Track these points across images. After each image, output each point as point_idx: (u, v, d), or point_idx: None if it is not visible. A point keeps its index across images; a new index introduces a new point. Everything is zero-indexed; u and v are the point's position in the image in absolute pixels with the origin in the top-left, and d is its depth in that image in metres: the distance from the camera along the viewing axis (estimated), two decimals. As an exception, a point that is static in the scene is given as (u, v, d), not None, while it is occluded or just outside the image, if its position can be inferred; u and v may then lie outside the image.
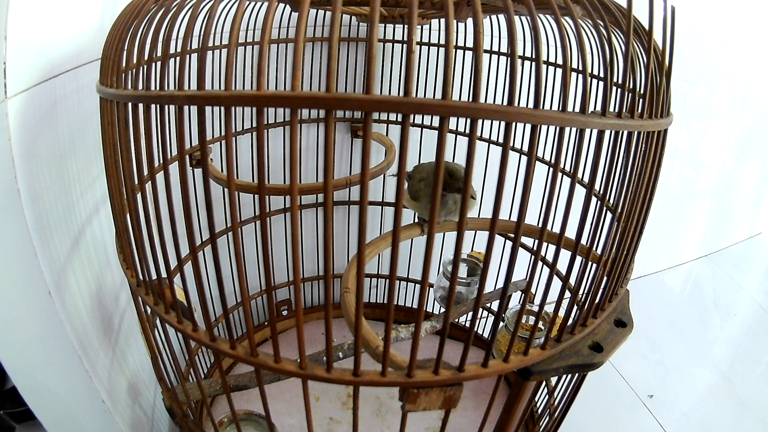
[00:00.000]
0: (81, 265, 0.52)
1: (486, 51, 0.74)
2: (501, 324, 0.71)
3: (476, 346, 0.87)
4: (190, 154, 0.63)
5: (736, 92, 1.31)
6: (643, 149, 0.31)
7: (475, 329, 0.29)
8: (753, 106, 1.36)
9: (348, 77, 0.83)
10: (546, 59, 0.68)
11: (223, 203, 0.74)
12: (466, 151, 0.22)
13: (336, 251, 0.99)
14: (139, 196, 0.30)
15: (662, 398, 0.99)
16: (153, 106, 0.26)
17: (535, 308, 0.73)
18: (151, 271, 0.33)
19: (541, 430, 0.59)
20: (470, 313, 0.74)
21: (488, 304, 0.84)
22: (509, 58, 0.21)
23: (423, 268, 0.25)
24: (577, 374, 0.47)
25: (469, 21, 0.69)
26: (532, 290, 0.78)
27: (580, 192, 0.26)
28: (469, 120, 0.21)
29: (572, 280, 0.34)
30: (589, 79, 0.25)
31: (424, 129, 0.82)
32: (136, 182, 0.30)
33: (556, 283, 0.31)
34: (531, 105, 0.23)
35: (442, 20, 0.75)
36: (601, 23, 0.28)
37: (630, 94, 0.29)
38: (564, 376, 0.51)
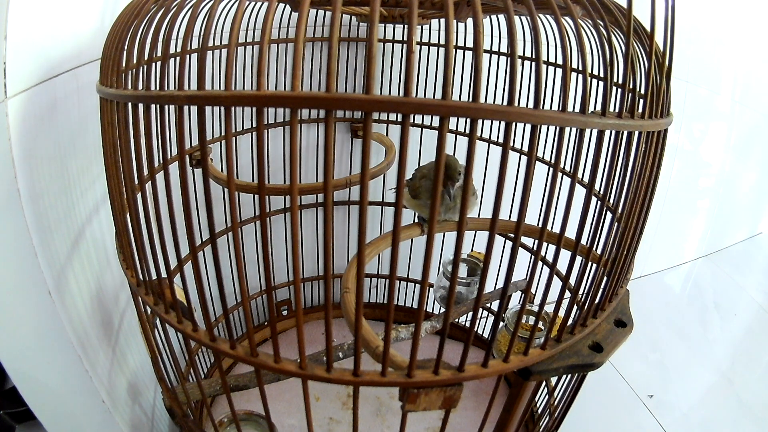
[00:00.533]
0: (81, 265, 0.52)
1: (486, 51, 0.74)
2: (501, 324, 0.71)
3: (476, 346, 0.87)
4: (190, 154, 0.63)
5: (736, 92, 1.31)
6: (643, 149, 0.31)
7: (475, 329, 0.29)
8: (753, 106, 1.36)
9: (348, 77, 0.83)
10: (546, 59, 0.68)
11: (223, 203, 0.74)
12: (466, 151, 0.22)
13: (336, 251, 0.99)
14: (139, 196, 0.30)
15: (662, 398, 0.99)
16: (153, 106, 0.26)
17: (535, 308, 0.73)
18: (151, 271, 0.33)
19: (541, 430, 0.59)
20: (470, 313, 0.74)
21: (488, 304, 0.84)
22: (509, 58, 0.21)
23: (423, 268, 0.25)
24: (577, 374, 0.47)
25: (469, 21, 0.69)
26: (532, 290, 0.78)
27: (579, 192, 0.26)
28: (469, 120, 0.21)
29: (572, 280, 0.34)
30: (589, 79, 0.25)
31: (424, 129, 0.82)
32: (136, 182, 0.30)
33: (556, 283, 0.31)
34: (531, 105, 0.23)
35: (442, 20, 0.75)
36: (601, 23, 0.28)
37: (630, 94, 0.29)
38: (564, 376, 0.51)
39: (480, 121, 0.21)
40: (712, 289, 1.42)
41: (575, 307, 0.35)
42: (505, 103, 0.23)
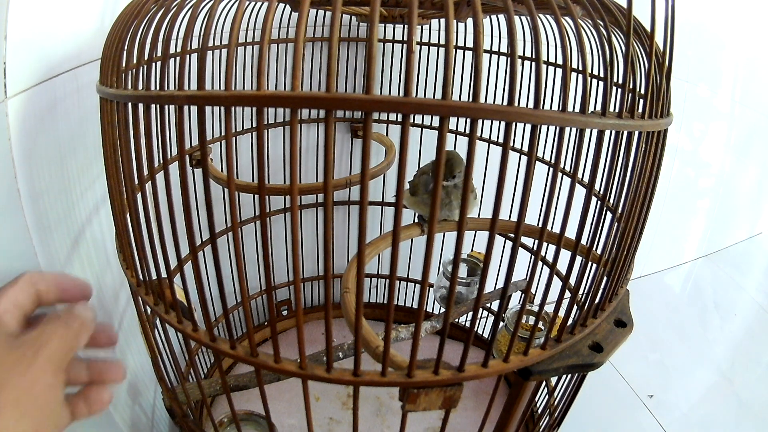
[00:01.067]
0: (81, 265, 0.52)
1: (486, 51, 0.74)
2: (501, 324, 0.71)
3: (476, 346, 0.87)
4: (189, 154, 0.63)
5: (736, 92, 1.31)
6: (643, 149, 0.31)
7: (475, 329, 0.29)
8: (753, 106, 1.36)
9: (348, 77, 0.84)
10: (546, 59, 0.68)
11: (222, 203, 0.74)
12: (466, 151, 0.22)
13: (336, 251, 0.99)
14: (139, 196, 0.30)
15: (662, 398, 0.99)
16: (153, 106, 0.26)
17: (535, 308, 0.73)
18: (151, 271, 0.33)
19: (541, 430, 0.59)
20: (470, 313, 0.74)
21: (488, 304, 0.84)
22: (509, 58, 0.21)
23: (423, 268, 0.25)
24: (577, 374, 0.47)
25: (469, 21, 0.69)
26: (532, 290, 0.78)
27: (579, 192, 0.26)
28: (469, 120, 0.21)
29: (572, 280, 0.34)
30: (589, 79, 0.25)
31: (423, 129, 0.82)
32: (136, 182, 0.30)
33: (556, 283, 0.31)
34: (531, 105, 0.23)
35: (442, 20, 0.75)
36: (601, 23, 0.28)
37: (630, 94, 0.29)
38: (564, 376, 0.51)
39: (480, 121, 0.21)
40: (712, 289, 1.42)
41: (575, 307, 0.35)
42: (505, 103, 0.23)
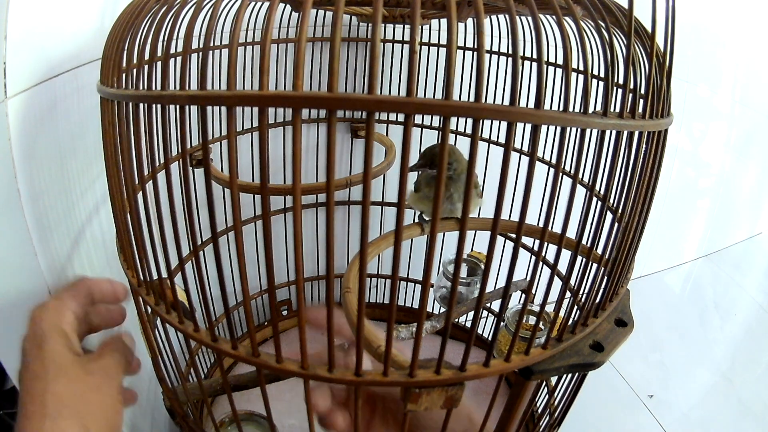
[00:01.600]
0: (81, 265, 0.52)
1: (487, 51, 0.74)
2: (501, 324, 0.71)
3: (476, 346, 0.87)
4: (190, 154, 0.63)
5: (736, 92, 1.31)
6: (643, 149, 0.31)
7: (476, 329, 0.29)
8: (753, 106, 1.36)
9: (348, 77, 0.84)
10: (547, 59, 0.68)
11: (223, 203, 0.74)
12: (468, 151, 0.22)
13: (336, 251, 0.99)
14: (140, 195, 0.30)
15: (662, 398, 0.99)
16: (155, 105, 0.26)
17: (536, 308, 0.73)
18: (152, 271, 0.33)
19: (541, 429, 0.59)
20: (471, 313, 0.74)
21: (488, 304, 0.84)
22: (512, 59, 0.21)
23: (424, 268, 0.25)
24: (577, 374, 0.47)
25: (470, 21, 0.69)
26: (532, 290, 0.78)
27: (580, 192, 0.26)
28: (471, 120, 0.21)
29: (572, 280, 0.34)
30: (590, 79, 0.25)
31: (424, 129, 0.82)
32: (137, 182, 0.30)
33: (556, 283, 0.31)
34: (532, 105, 0.23)
35: (443, 20, 0.75)
36: (603, 24, 0.28)
37: (631, 95, 0.29)
38: (564, 376, 0.51)
39: (481, 121, 0.21)
40: (712, 289, 1.42)
41: (576, 307, 0.35)
42: (506, 103, 0.23)
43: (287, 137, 0.80)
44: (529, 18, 0.30)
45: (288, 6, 0.65)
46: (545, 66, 0.23)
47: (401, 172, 0.21)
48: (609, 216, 0.34)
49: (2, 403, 0.62)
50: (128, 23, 0.32)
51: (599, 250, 0.34)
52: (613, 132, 0.28)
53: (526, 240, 0.74)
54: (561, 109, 0.23)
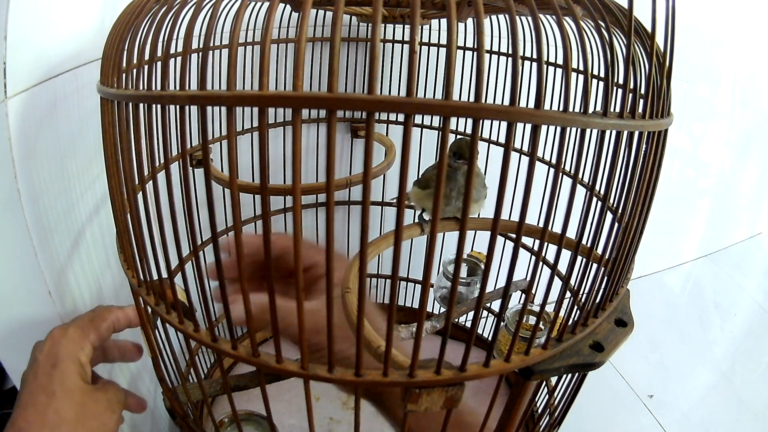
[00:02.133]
0: (81, 265, 0.52)
1: (487, 51, 0.74)
2: (501, 324, 0.71)
3: (475, 346, 0.87)
4: (190, 154, 0.63)
5: (736, 92, 1.31)
6: (643, 149, 0.31)
7: (477, 329, 0.29)
8: (753, 106, 1.36)
9: (348, 77, 0.84)
10: (547, 59, 0.68)
11: (223, 203, 0.74)
12: (468, 151, 0.22)
13: (336, 251, 0.98)
14: (140, 196, 0.30)
15: (662, 398, 0.99)
16: (155, 106, 0.26)
17: (536, 308, 0.73)
18: (152, 271, 0.33)
19: (541, 429, 0.59)
20: (471, 313, 0.74)
21: (488, 304, 0.84)
22: (512, 59, 0.21)
23: (424, 268, 0.25)
24: (577, 374, 0.47)
25: (470, 21, 0.69)
26: (532, 290, 0.78)
27: (580, 192, 0.26)
28: (471, 120, 0.21)
29: (572, 280, 0.34)
30: (590, 79, 0.25)
31: (424, 129, 0.82)
32: (137, 182, 0.30)
33: (557, 283, 0.31)
34: (532, 105, 0.23)
35: (443, 20, 0.75)
36: (603, 24, 0.28)
37: (631, 95, 0.29)
38: (564, 376, 0.51)
39: (481, 121, 0.21)
40: (712, 289, 1.42)
41: (576, 307, 0.35)
42: (506, 103, 0.23)
43: (287, 137, 0.80)
44: (529, 18, 0.30)
45: (288, 6, 0.65)
46: (545, 66, 0.23)
47: (401, 172, 0.21)
48: (609, 216, 0.34)
49: (2, 403, 0.62)
50: (128, 23, 0.32)
51: (599, 251, 0.34)
52: (613, 132, 0.28)
53: (526, 240, 0.74)
54: (561, 109, 0.23)
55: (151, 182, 0.31)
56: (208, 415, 0.43)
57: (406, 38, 0.80)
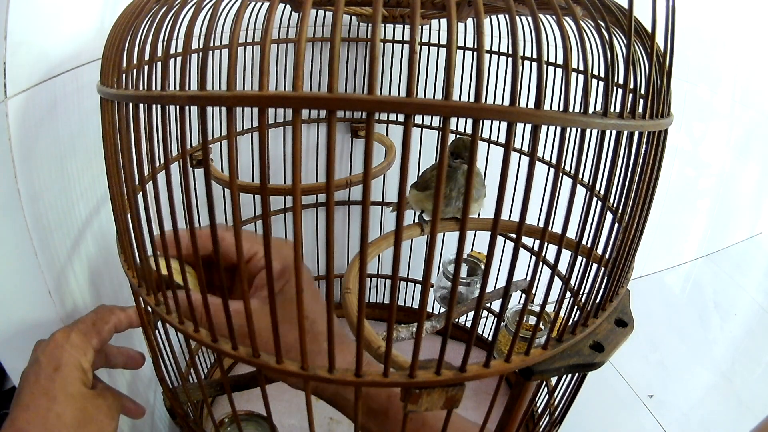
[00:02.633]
0: (81, 265, 0.52)
1: (487, 51, 0.74)
2: (501, 324, 0.70)
3: (476, 346, 0.87)
4: (190, 155, 0.63)
5: (736, 92, 1.31)
6: (644, 149, 0.31)
7: (477, 329, 0.29)
8: (753, 106, 1.36)
9: (348, 77, 0.84)
10: (547, 59, 0.68)
11: (223, 203, 0.74)
12: (468, 151, 0.22)
13: (336, 251, 0.99)
14: (140, 196, 0.30)
15: (662, 398, 0.99)
16: (155, 106, 0.26)
17: (536, 308, 0.73)
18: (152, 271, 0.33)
19: (541, 430, 0.59)
20: (471, 314, 0.74)
21: (488, 304, 0.84)
22: (512, 59, 0.21)
23: (424, 268, 0.25)
24: (577, 374, 0.47)
25: (470, 21, 0.69)
26: (533, 290, 0.78)
27: (580, 192, 0.26)
28: (471, 120, 0.21)
29: (573, 281, 0.34)
30: (590, 79, 0.25)
31: (424, 129, 0.82)
32: (137, 182, 0.30)
33: (557, 283, 0.31)
34: (532, 105, 0.23)
35: (443, 20, 0.75)
36: (603, 24, 0.28)
37: (631, 95, 0.29)
38: (564, 376, 0.51)
39: (481, 121, 0.21)
40: (712, 289, 1.42)
41: (576, 307, 0.35)
42: (506, 103, 0.23)
43: (287, 137, 0.80)
44: (529, 18, 0.30)
45: (288, 6, 0.65)
46: (545, 66, 0.23)
47: (401, 172, 0.21)
48: (609, 216, 0.34)
49: (2, 403, 0.62)
50: (128, 23, 0.32)
51: (599, 251, 0.34)
52: (613, 132, 0.28)
53: (526, 240, 0.74)
54: (561, 109, 0.23)
55: (151, 182, 0.31)
56: (208, 415, 0.42)
57: (406, 38, 0.80)
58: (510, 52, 0.22)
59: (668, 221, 1.29)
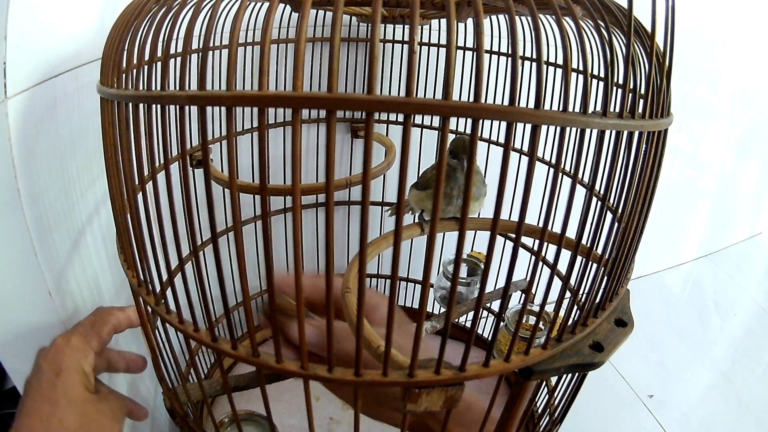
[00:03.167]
0: (81, 265, 0.52)
1: (487, 51, 0.74)
2: (501, 324, 0.71)
3: (475, 346, 0.87)
4: (190, 155, 0.63)
5: (736, 92, 1.31)
6: (643, 149, 0.31)
7: (476, 329, 0.29)
8: (753, 106, 1.36)
9: (348, 77, 0.84)
10: (547, 59, 0.68)
11: (223, 203, 0.74)
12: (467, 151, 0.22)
13: (336, 251, 0.99)
14: (140, 196, 0.30)
15: (662, 398, 0.99)
16: (154, 106, 0.26)
17: (536, 308, 0.73)
18: (152, 271, 0.33)
19: (541, 430, 0.59)
20: (471, 313, 0.74)
21: (488, 304, 0.84)
22: (511, 59, 0.21)
23: (424, 268, 0.25)
24: (577, 374, 0.47)
25: (469, 21, 0.69)
26: (532, 290, 0.78)
27: (580, 192, 0.26)
28: (470, 120, 0.21)
29: (572, 280, 0.34)
30: (590, 79, 0.25)
31: (424, 129, 0.82)
32: (137, 182, 0.30)
33: (556, 283, 0.31)
34: (532, 105, 0.23)
35: (443, 20, 0.75)
36: (602, 23, 0.28)
37: (630, 95, 0.29)
38: (564, 376, 0.51)
39: (481, 121, 0.21)
40: (712, 289, 1.42)
41: (576, 307, 0.35)
42: (506, 103, 0.23)
43: (287, 137, 0.80)
44: (529, 18, 0.30)
45: (287, 6, 0.65)
46: (545, 66, 0.23)
47: (401, 172, 0.21)
48: (609, 216, 0.34)
49: (2, 403, 0.62)
50: (128, 24, 0.32)
51: (599, 250, 0.34)
52: (613, 132, 0.28)
53: (526, 240, 0.74)
54: (560, 109, 0.23)
55: (151, 182, 0.31)
56: (208, 415, 0.43)
57: (406, 38, 0.80)
58: (509, 52, 0.22)
59: (668, 221, 1.29)
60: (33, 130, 0.43)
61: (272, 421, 0.34)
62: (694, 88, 1.19)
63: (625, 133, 0.29)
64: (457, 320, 0.91)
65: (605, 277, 0.34)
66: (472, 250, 0.83)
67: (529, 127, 0.23)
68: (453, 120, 0.79)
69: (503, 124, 0.22)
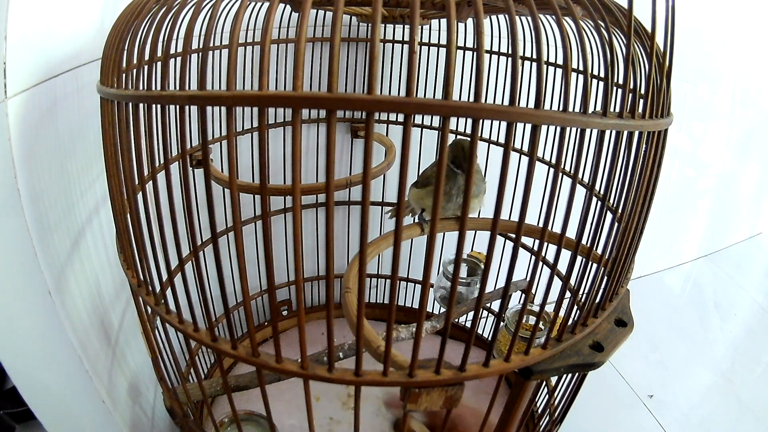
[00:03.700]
0: (81, 265, 0.52)
1: (487, 51, 0.74)
2: (501, 324, 0.71)
3: (475, 346, 0.87)
4: (190, 155, 0.63)
5: (736, 92, 1.31)
6: (643, 149, 0.31)
7: (476, 329, 0.29)
8: (753, 106, 1.36)
9: (348, 77, 0.84)
10: (547, 59, 0.68)
11: (223, 203, 0.74)
12: (467, 151, 0.22)
13: (336, 251, 0.99)
14: (140, 196, 0.30)
15: (662, 398, 0.99)
16: (154, 106, 0.26)
17: (536, 308, 0.73)
18: (152, 271, 0.33)
19: (541, 429, 0.59)
20: (471, 313, 0.74)
21: (488, 304, 0.84)
22: (511, 59, 0.21)
23: (424, 268, 0.25)
24: (577, 374, 0.47)
25: (470, 21, 0.69)
26: (532, 290, 0.78)
27: (579, 192, 0.26)
28: (470, 120, 0.21)
29: (572, 280, 0.34)
30: (590, 79, 0.25)
31: (424, 129, 0.82)
32: (137, 182, 0.30)
33: (556, 283, 0.31)
34: (532, 105, 0.23)
35: (443, 20, 0.75)
36: (602, 24, 0.28)
37: (630, 95, 0.29)
38: (564, 376, 0.51)
39: (481, 121, 0.21)
40: (712, 289, 1.42)
41: (575, 307, 0.35)
42: (506, 103, 0.23)
43: (287, 137, 0.80)
44: (529, 18, 0.30)
45: (288, 6, 0.65)
46: (545, 66, 0.23)
47: (401, 171, 0.21)
48: (609, 216, 0.34)
49: (2, 403, 0.62)
50: (128, 23, 0.32)
51: (599, 250, 0.34)
52: (613, 132, 0.28)
53: (526, 240, 0.74)
54: (561, 109, 0.23)
55: (150, 182, 0.31)
56: (208, 415, 0.42)
57: (406, 38, 0.80)
58: (509, 52, 0.22)
59: (668, 221, 1.29)
60: (33, 130, 0.43)
61: (272, 421, 0.34)
62: (694, 88, 1.19)
63: (625, 133, 0.29)
64: (457, 320, 0.91)
65: (605, 277, 0.34)
66: (472, 250, 0.83)
67: (529, 127, 0.23)
68: (453, 120, 0.79)
69: (503, 124, 0.22)
